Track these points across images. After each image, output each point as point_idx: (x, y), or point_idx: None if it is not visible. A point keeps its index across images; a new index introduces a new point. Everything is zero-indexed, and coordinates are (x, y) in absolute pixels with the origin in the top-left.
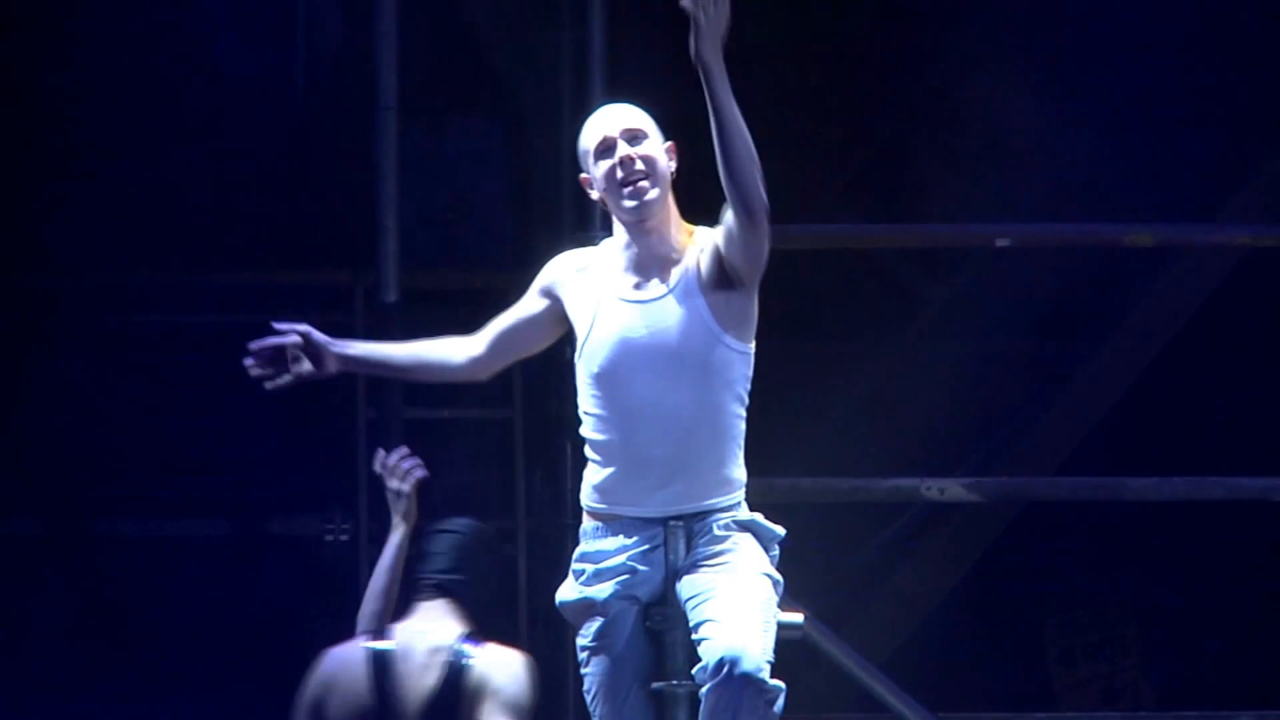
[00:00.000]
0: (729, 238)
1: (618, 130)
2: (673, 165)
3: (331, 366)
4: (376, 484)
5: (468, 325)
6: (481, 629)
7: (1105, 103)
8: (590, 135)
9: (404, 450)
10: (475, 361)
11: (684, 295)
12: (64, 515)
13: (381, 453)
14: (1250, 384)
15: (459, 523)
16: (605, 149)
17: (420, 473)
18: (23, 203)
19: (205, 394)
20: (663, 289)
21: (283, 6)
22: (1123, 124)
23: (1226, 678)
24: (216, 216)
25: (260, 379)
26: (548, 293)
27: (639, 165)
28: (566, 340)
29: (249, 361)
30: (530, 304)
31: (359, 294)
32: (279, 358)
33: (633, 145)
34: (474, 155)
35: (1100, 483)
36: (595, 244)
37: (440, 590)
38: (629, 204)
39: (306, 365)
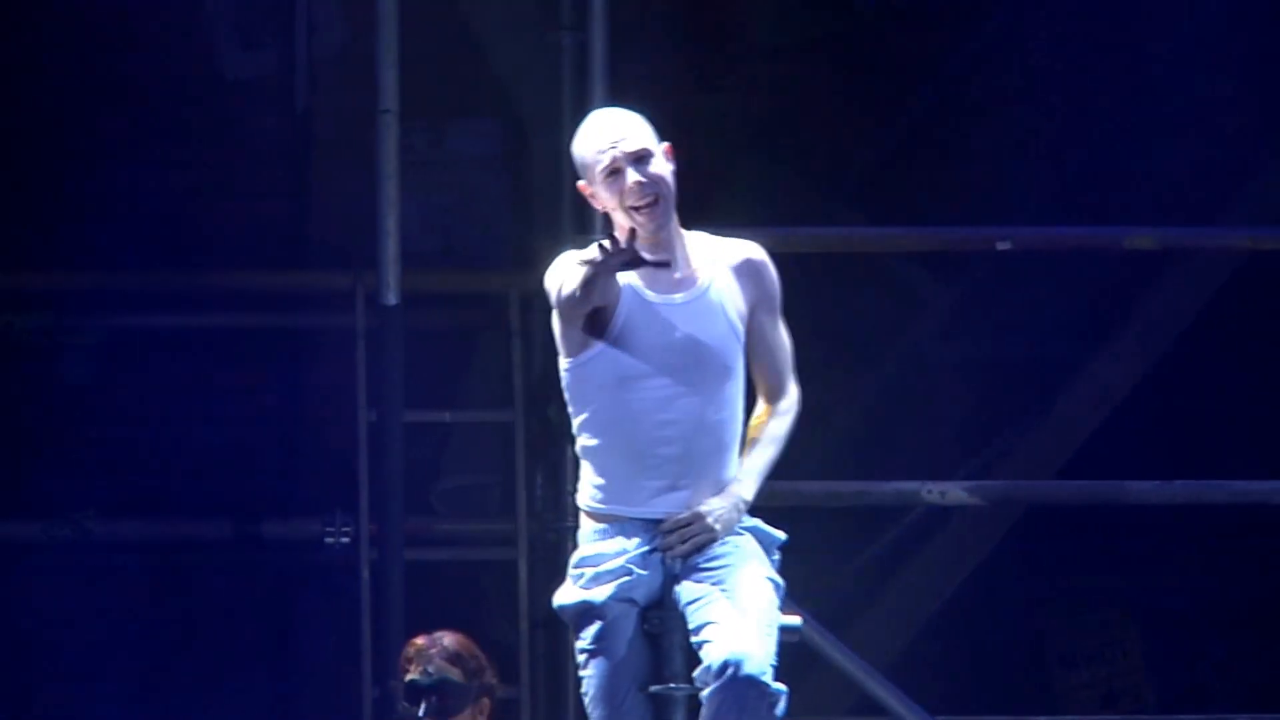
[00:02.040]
0: (759, 342)
1: (623, 154)
2: (672, 167)
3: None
4: (377, 486)
5: (469, 327)
6: None
7: (1107, 105)
8: (593, 153)
9: None
10: None
11: (712, 301)
12: (63, 517)
13: None
14: (1252, 387)
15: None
16: (613, 172)
17: None
18: (25, 204)
19: (206, 396)
20: (685, 292)
21: (284, 10)
22: (1123, 127)
23: (1229, 682)
24: (218, 219)
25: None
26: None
27: (649, 188)
28: None
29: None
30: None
31: (360, 296)
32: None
33: (640, 167)
34: (475, 158)
35: (1101, 486)
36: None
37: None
38: (645, 222)
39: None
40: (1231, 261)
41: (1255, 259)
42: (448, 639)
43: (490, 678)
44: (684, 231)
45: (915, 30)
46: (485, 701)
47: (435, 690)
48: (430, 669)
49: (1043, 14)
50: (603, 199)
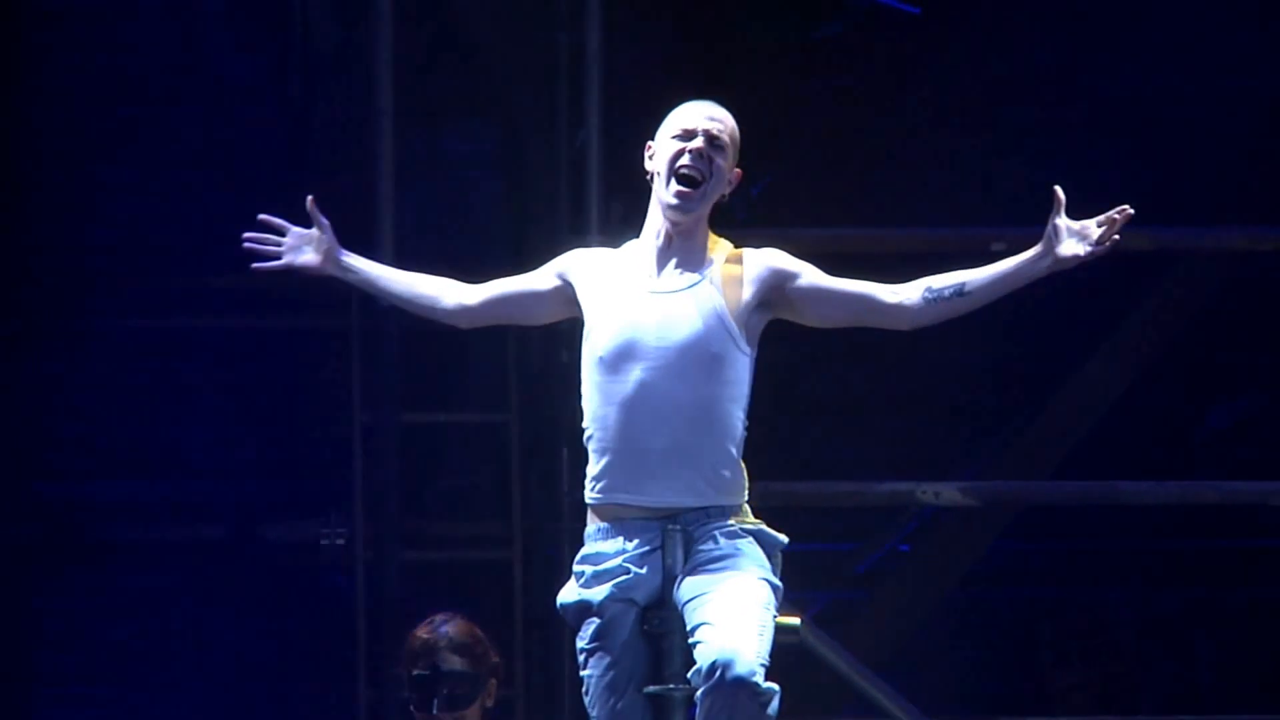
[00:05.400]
0: (829, 295)
1: (704, 126)
2: (729, 189)
3: (329, 268)
4: (372, 488)
5: (464, 329)
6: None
7: (1102, 106)
8: (680, 115)
9: None
10: (464, 310)
11: (704, 293)
12: (59, 520)
13: None
14: (1246, 388)
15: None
16: (685, 134)
17: None
18: (18, 206)
19: (202, 398)
20: (681, 283)
21: (278, 10)
22: (1120, 127)
23: (1223, 683)
24: (212, 220)
25: (252, 251)
26: (561, 275)
27: (701, 165)
28: (564, 344)
29: (251, 235)
30: (540, 280)
31: (355, 298)
32: (290, 239)
33: (709, 146)
34: (470, 158)
35: (1095, 487)
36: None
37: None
38: (672, 198)
39: (307, 256)
40: (1227, 263)
41: (1250, 260)
42: (449, 628)
43: (494, 658)
44: (720, 242)
45: (907, 29)
46: (492, 683)
47: (445, 683)
48: (438, 662)
49: (1037, 14)
50: (658, 154)
